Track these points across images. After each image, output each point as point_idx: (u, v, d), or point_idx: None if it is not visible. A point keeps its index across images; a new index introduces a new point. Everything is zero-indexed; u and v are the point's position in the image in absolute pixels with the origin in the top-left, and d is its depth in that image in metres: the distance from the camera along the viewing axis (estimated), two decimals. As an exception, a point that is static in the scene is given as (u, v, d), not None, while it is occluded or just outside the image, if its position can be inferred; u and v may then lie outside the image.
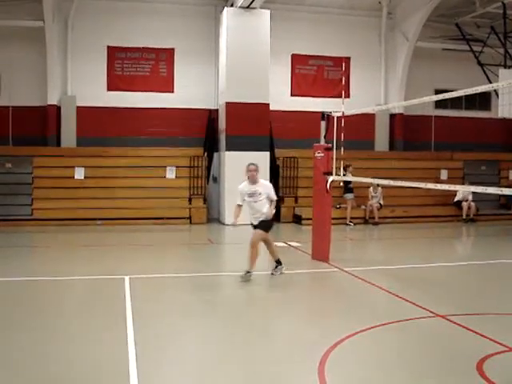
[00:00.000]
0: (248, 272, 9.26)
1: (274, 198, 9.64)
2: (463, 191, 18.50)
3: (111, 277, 9.65)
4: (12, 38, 17.85)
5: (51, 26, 17.30)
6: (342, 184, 17.12)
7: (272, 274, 9.83)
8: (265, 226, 9.50)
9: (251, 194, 9.48)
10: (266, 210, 9.45)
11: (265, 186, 9.67)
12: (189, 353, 6.06)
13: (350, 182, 17.25)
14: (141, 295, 8.37)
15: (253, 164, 9.65)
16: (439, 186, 10.23)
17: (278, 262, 9.93)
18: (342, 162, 11.41)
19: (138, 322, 6.86)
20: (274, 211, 9.64)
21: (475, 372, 5.25)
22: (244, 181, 9.70)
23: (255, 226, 9.53)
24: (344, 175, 16.69)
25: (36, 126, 18.25)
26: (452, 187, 10.67)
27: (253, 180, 9.56)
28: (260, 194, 9.46)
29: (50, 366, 5.50)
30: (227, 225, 17.35)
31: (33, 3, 17.17)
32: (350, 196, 18.03)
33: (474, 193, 17.90)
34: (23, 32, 17.73)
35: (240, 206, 9.61)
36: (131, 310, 7.41)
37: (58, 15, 17.81)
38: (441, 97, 9.12)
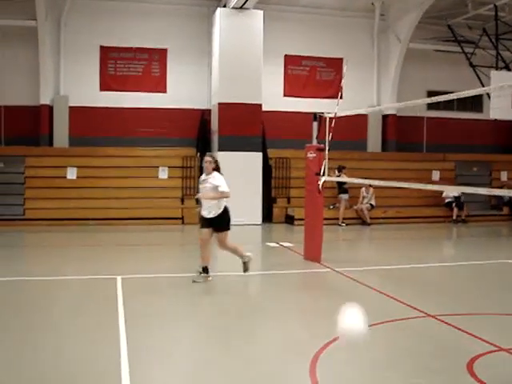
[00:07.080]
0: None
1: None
2: (447, 193, 18.74)
3: (103, 277, 9.63)
4: (4, 37, 17.83)
5: (44, 25, 17.27)
6: (335, 184, 17.22)
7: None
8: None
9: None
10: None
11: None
12: (180, 353, 6.06)
13: (344, 183, 17.31)
14: (133, 295, 8.36)
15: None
16: (430, 187, 10.29)
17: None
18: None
19: (129, 322, 6.85)
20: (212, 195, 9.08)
21: (465, 372, 5.27)
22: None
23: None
24: (338, 176, 16.84)
25: (28, 125, 18.20)
26: (443, 188, 10.74)
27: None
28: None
29: (40, 366, 5.48)
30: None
31: (25, 2, 17.11)
32: (344, 196, 18.09)
33: (465, 194, 18.01)
34: (15, 31, 17.70)
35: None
36: (123, 310, 7.40)
37: (51, 14, 17.75)
38: (434, 99, 9.14)
